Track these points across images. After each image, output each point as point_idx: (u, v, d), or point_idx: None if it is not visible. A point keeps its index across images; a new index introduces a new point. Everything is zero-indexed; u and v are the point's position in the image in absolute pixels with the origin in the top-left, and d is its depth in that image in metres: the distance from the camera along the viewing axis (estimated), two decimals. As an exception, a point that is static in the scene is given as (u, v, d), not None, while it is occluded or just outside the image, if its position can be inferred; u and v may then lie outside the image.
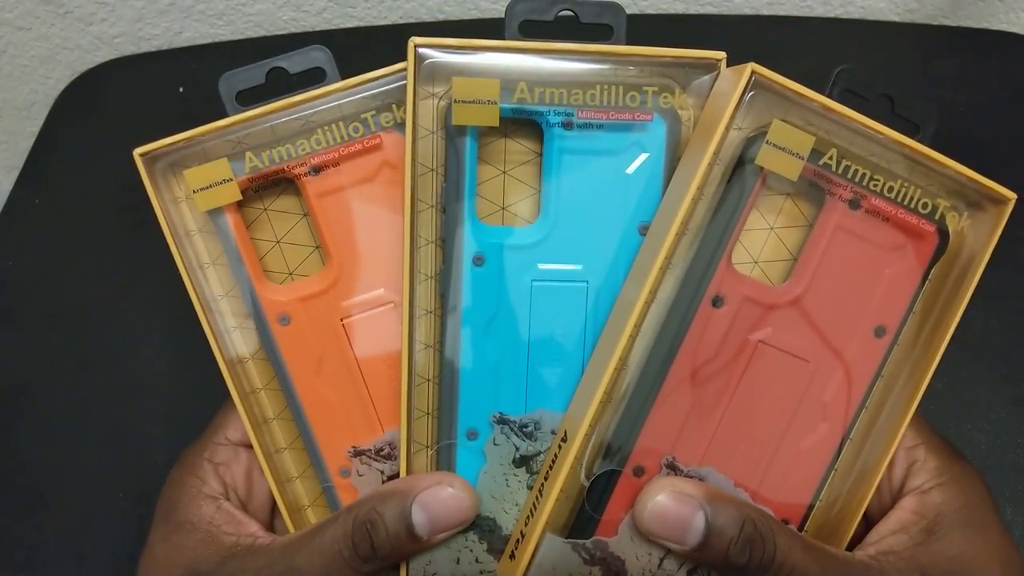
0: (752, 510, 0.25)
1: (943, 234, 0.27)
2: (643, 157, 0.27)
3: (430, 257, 0.27)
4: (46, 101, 0.57)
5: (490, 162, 0.28)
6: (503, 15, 0.28)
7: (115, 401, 0.40)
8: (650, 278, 0.25)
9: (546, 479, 0.26)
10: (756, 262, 0.28)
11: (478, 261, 0.27)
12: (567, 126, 0.27)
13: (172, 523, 0.28)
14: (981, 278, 0.27)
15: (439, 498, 0.26)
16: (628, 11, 0.28)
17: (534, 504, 0.26)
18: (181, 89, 0.53)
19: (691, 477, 0.26)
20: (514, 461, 0.27)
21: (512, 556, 0.26)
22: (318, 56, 0.29)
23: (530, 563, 0.25)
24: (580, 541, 0.26)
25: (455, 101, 0.26)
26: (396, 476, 0.28)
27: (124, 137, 0.52)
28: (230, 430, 0.30)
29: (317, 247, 0.29)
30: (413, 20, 0.58)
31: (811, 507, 0.28)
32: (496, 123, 0.26)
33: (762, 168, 0.26)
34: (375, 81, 0.28)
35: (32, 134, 0.53)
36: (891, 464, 0.28)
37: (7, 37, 0.57)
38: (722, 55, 0.27)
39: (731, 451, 0.27)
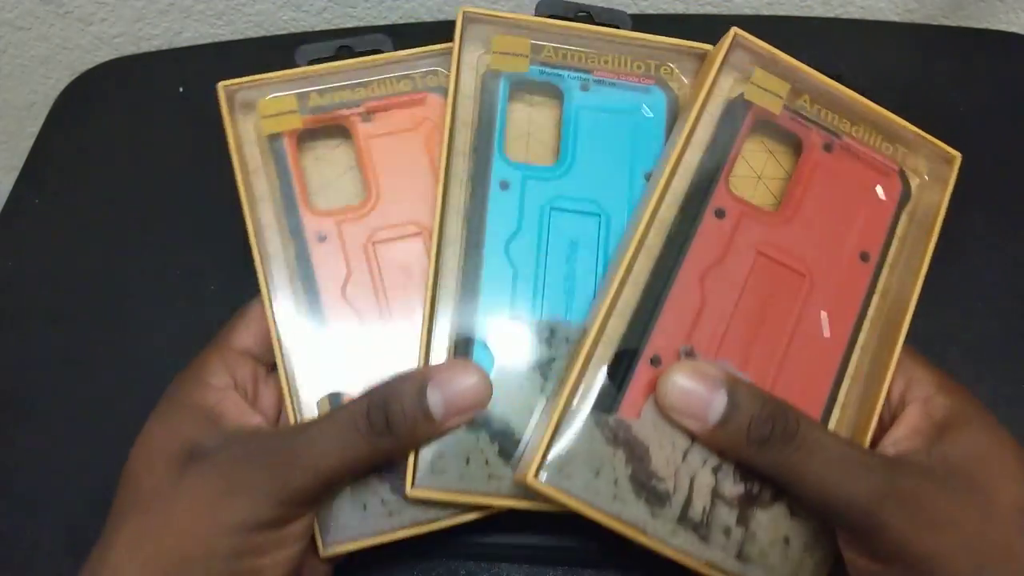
0: (771, 395, 0.26)
1: (905, 178, 0.32)
2: (647, 114, 0.32)
3: (460, 191, 0.30)
4: (46, 101, 0.57)
5: (516, 127, 0.33)
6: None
7: (115, 401, 0.40)
8: (654, 198, 0.28)
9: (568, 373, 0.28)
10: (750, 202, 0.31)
11: (503, 186, 0.31)
12: (584, 88, 0.32)
13: (173, 405, 0.28)
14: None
15: (454, 380, 0.26)
16: (630, 11, 0.29)
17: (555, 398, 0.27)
18: (181, 89, 0.53)
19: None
20: (533, 366, 0.29)
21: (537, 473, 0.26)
22: (382, 39, 0.34)
23: (552, 439, 0.26)
24: (602, 415, 0.27)
25: (494, 53, 0.32)
26: None
27: (124, 137, 0.52)
28: (239, 337, 0.30)
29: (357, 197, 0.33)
30: (413, 20, 0.58)
31: (827, 411, 0.29)
32: (526, 70, 0.32)
33: (750, 103, 0.31)
34: (425, 53, 0.33)
35: (32, 134, 0.53)
36: (890, 383, 0.29)
37: (7, 37, 0.57)
38: (710, 46, 0.32)
39: (744, 351, 0.29)
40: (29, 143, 0.52)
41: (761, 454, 0.26)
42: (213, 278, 0.44)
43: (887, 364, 0.29)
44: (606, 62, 0.33)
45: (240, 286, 0.36)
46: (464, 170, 0.31)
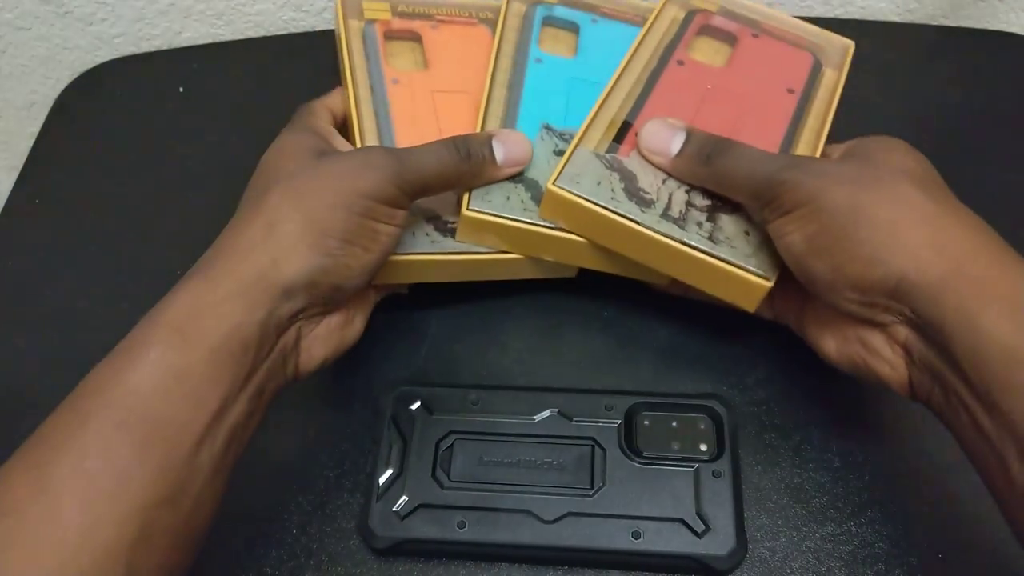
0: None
1: (814, 55, 0.43)
2: (637, 34, 0.43)
3: (508, 62, 0.43)
4: (46, 101, 0.57)
5: (546, 43, 0.45)
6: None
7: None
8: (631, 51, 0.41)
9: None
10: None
11: (538, 61, 0.43)
12: (594, 22, 0.46)
13: (297, 127, 0.37)
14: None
15: (511, 139, 0.37)
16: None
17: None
18: (181, 89, 0.53)
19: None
20: (554, 152, 0.39)
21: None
22: None
23: (566, 163, 0.36)
24: (602, 153, 0.37)
25: None
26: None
27: (124, 137, 0.52)
28: (331, 99, 0.42)
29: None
30: (413, 20, 0.58)
31: None
32: (554, 0, 0.46)
33: (696, 11, 0.44)
34: (481, 5, 0.47)
35: (32, 134, 0.53)
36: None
37: (7, 37, 0.57)
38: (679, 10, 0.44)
39: (707, 128, 0.37)
40: (29, 143, 0.52)
41: (707, 167, 0.35)
42: (213, 278, 0.44)
43: (820, 131, 0.39)
44: (608, 8, 0.46)
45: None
46: (509, 54, 0.43)
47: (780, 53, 0.43)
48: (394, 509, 0.34)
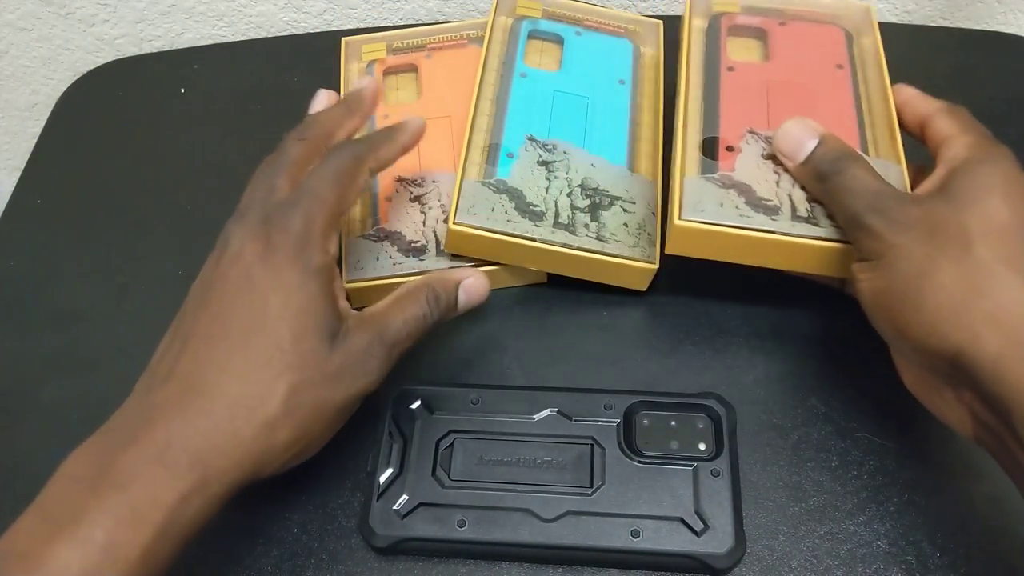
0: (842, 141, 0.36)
1: (844, 29, 0.44)
2: (620, 46, 0.47)
3: (494, 77, 0.44)
4: (48, 102, 0.58)
5: (531, 57, 0.47)
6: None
7: (116, 401, 0.40)
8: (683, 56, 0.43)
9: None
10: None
11: (523, 76, 0.44)
12: (577, 34, 0.47)
13: (301, 264, 0.32)
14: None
15: (475, 286, 0.36)
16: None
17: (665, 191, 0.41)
18: (182, 90, 0.53)
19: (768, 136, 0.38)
20: (537, 162, 0.41)
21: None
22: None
23: (682, 199, 0.36)
24: (710, 175, 0.37)
25: (519, 6, 0.48)
26: (419, 198, 0.42)
27: (125, 138, 0.52)
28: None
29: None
30: (413, 21, 0.58)
31: (863, 150, 0.38)
32: (539, 15, 0.47)
33: (721, 14, 0.45)
34: (466, 25, 0.49)
35: (34, 135, 0.53)
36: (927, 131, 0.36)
37: (9, 38, 0.58)
38: (660, 22, 0.48)
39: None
40: (31, 144, 0.52)
41: (821, 185, 0.35)
42: (214, 278, 0.44)
43: (889, 113, 0.39)
44: (591, 20, 0.48)
45: (240, 286, 0.36)
46: (495, 69, 0.45)
47: (812, 34, 0.44)
48: (394, 508, 0.34)
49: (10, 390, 0.41)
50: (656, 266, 0.39)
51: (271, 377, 0.30)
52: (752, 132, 0.39)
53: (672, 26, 0.47)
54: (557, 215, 0.39)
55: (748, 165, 0.38)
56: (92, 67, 0.57)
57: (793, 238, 0.35)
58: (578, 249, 0.39)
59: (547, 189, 0.40)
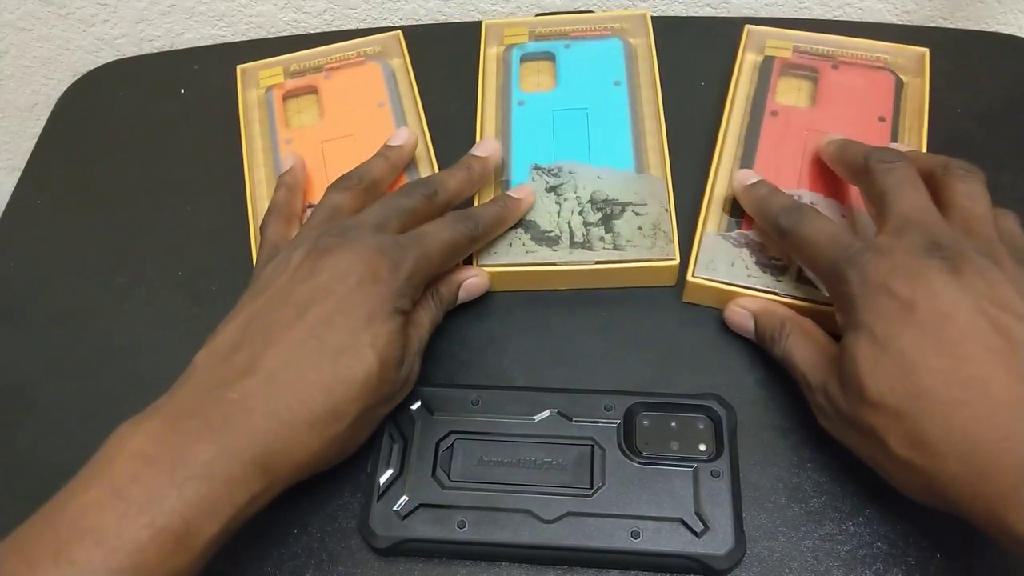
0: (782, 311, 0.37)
1: (894, 73, 0.45)
2: (610, 47, 0.48)
3: (493, 108, 0.46)
4: (48, 102, 0.58)
5: (527, 79, 0.48)
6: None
7: (116, 401, 0.40)
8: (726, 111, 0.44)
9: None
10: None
11: (521, 104, 0.46)
12: (567, 47, 0.48)
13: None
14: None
15: (474, 284, 0.40)
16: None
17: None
18: (182, 90, 0.53)
19: (791, 196, 0.39)
20: (545, 189, 0.43)
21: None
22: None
23: (697, 255, 0.40)
24: (729, 233, 0.40)
25: (506, 36, 0.49)
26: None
27: (125, 138, 0.52)
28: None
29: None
30: (413, 22, 0.58)
31: None
32: (527, 38, 0.49)
33: (773, 57, 0.47)
34: (364, 41, 0.50)
35: (34, 135, 0.53)
36: None
37: (9, 38, 0.58)
38: (647, 11, 0.48)
39: (815, 183, 0.42)
40: (31, 144, 0.52)
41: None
42: (213, 278, 0.44)
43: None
44: (580, 29, 0.49)
45: (240, 286, 0.36)
46: (493, 101, 0.47)
47: (862, 80, 0.45)
48: (394, 509, 0.34)
49: (10, 390, 0.41)
50: (676, 261, 0.40)
51: (350, 399, 0.31)
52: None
53: (671, 26, 0.47)
54: (572, 235, 0.41)
55: None
56: (92, 67, 0.57)
57: (796, 301, 0.38)
58: (597, 263, 0.40)
59: (558, 213, 0.41)
